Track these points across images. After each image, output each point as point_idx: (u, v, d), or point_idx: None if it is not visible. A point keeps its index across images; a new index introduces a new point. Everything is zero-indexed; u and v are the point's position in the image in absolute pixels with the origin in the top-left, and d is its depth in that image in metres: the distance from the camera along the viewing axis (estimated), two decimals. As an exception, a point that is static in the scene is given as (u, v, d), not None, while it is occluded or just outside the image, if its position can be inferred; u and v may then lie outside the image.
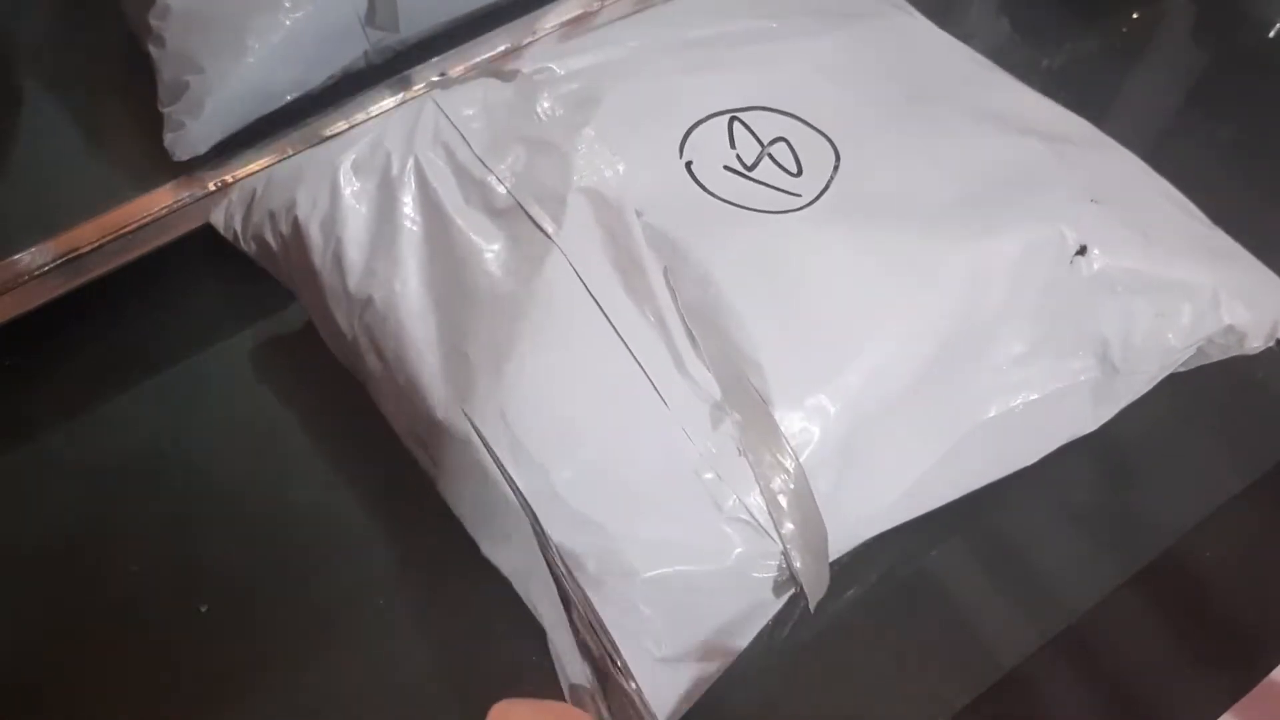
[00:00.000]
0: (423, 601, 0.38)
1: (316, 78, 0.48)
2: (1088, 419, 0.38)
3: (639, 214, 0.36)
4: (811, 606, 0.33)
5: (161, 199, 0.46)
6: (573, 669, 0.32)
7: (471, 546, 0.34)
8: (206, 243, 0.43)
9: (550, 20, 0.52)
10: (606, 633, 0.31)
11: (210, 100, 0.45)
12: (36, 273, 0.44)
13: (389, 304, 0.36)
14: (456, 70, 0.50)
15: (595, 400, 0.33)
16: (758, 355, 0.33)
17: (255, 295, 0.45)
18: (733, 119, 0.39)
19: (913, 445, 0.34)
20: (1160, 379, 0.39)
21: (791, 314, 0.34)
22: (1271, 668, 0.36)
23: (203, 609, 0.37)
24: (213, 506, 0.40)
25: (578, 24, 0.52)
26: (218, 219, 0.43)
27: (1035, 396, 0.36)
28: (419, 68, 0.50)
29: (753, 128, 0.39)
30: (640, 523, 0.32)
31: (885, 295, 0.35)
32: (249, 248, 0.42)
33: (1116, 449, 0.41)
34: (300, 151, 0.45)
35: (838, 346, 0.34)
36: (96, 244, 0.44)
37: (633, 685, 0.28)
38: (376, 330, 0.37)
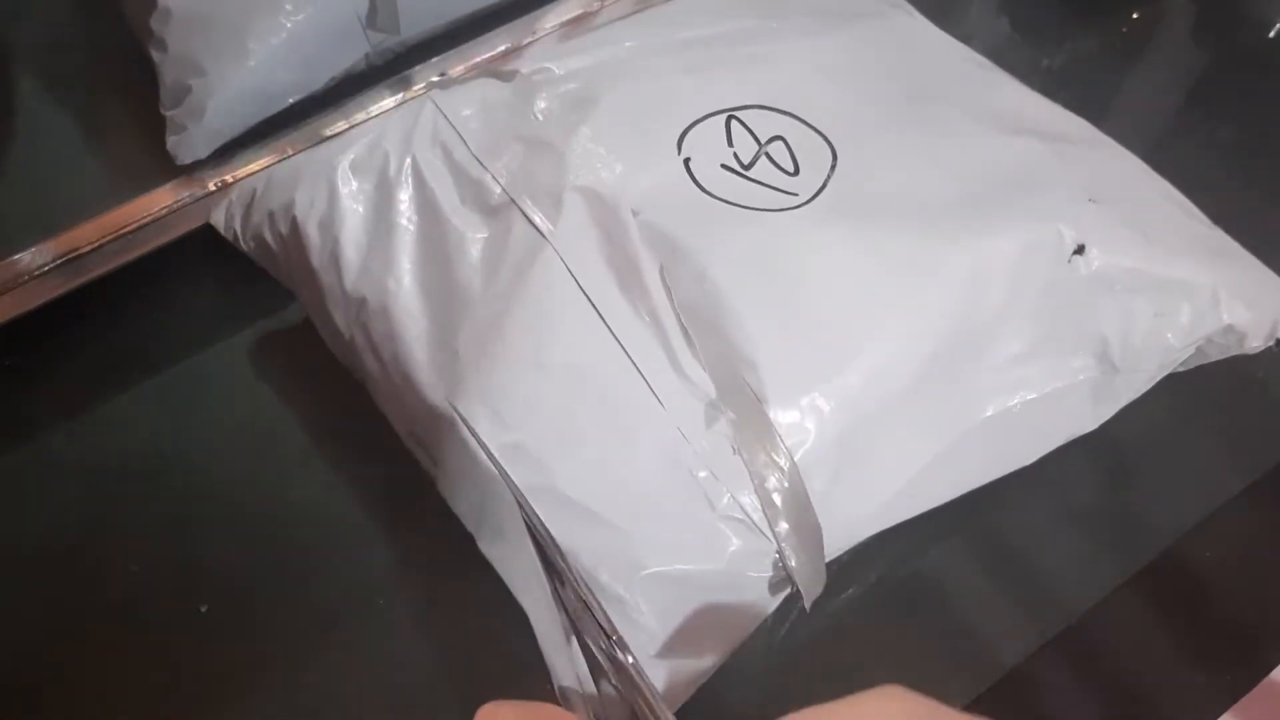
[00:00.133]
0: (423, 601, 0.38)
1: (318, 80, 0.48)
2: (1087, 418, 0.38)
3: (635, 212, 0.36)
4: (807, 605, 0.33)
5: (161, 199, 0.46)
6: (563, 671, 0.32)
7: (471, 547, 0.34)
8: (206, 243, 0.43)
9: (550, 20, 0.52)
10: (606, 617, 0.30)
11: (212, 103, 0.45)
12: (36, 273, 0.44)
13: (384, 303, 0.36)
14: (456, 71, 0.50)
15: (589, 398, 0.33)
16: (753, 353, 0.33)
17: (255, 295, 0.45)
18: (730, 118, 0.39)
19: (910, 444, 0.34)
20: (1160, 378, 0.39)
21: (788, 312, 0.34)
22: (1271, 668, 0.36)
23: (203, 609, 0.37)
24: (213, 506, 0.40)
25: (578, 24, 0.52)
26: (218, 219, 0.43)
27: (1034, 396, 0.36)
28: (419, 68, 0.50)
29: (750, 127, 0.39)
30: (635, 520, 0.32)
31: (883, 294, 0.34)
32: (249, 248, 0.42)
33: (1116, 449, 0.41)
34: (300, 152, 0.46)
35: (834, 345, 0.34)
36: (96, 244, 0.44)
37: (630, 659, 0.28)
38: (373, 329, 0.37)
